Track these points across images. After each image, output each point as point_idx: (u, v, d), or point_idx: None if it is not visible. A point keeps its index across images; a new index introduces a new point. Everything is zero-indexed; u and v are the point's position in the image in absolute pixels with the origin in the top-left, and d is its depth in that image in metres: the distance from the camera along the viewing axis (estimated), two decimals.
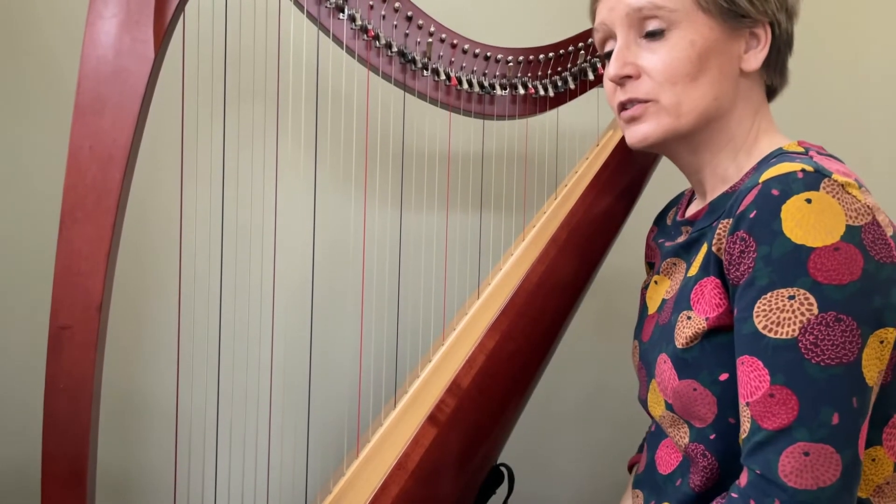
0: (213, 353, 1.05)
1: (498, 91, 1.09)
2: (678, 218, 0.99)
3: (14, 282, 1.31)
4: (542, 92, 1.11)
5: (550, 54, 1.10)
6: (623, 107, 0.89)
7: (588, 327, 1.43)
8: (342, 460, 1.05)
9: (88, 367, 0.83)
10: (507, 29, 1.37)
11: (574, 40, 1.12)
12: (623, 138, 1.13)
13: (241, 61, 1.20)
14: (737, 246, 0.76)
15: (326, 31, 0.99)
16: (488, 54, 1.07)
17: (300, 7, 0.98)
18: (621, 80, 0.88)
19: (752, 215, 0.75)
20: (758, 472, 0.74)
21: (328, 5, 0.98)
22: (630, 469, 1.11)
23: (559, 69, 1.12)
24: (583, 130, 1.23)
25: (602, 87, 1.18)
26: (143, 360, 1.34)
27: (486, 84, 1.08)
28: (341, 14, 0.99)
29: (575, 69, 1.13)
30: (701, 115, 0.86)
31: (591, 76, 1.13)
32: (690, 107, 0.85)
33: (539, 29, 1.19)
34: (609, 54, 0.91)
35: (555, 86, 1.12)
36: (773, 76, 0.90)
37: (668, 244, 0.98)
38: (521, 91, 1.10)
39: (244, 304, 1.14)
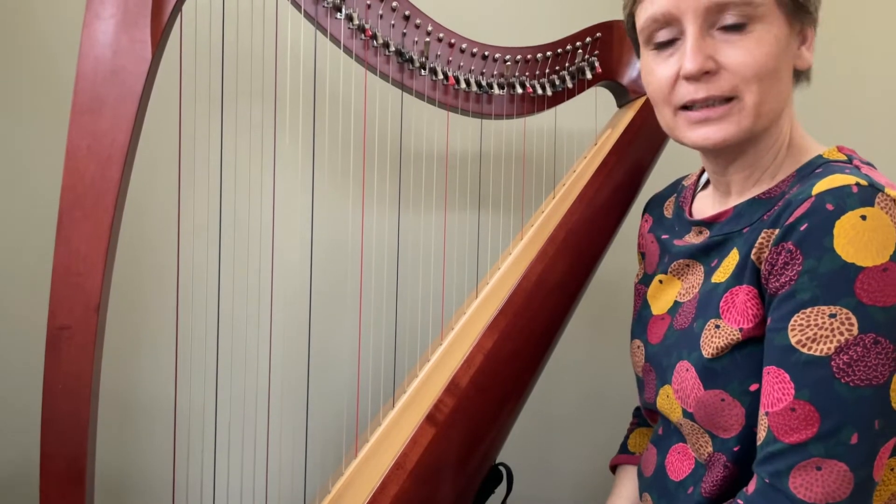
0: (211, 353, 1.06)
1: (496, 90, 1.09)
2: (687, 216, 0.96)
3: (12, 282, 1.31)
4: (539, 91, 1.11)
5: (548, 53, 1.10)
6: (687, 106, 0.83)
7: (587, 327, 1.43)
8: (341, 460, 1.05)
9: (87, 368, 0.83)
10: (505, 28, 1.37)
11: (572, 39, 1.12)
12: (620, 138, 1.13)
13: (239, 61, 1.19)
14: (781, 257, 0.75)
15: (324, 30, 0.99)
16: (486, 53, 1.07)
17: (297, 7, 0.98)
18: (700, 76, 0.81)
19: (802, 228, 0.73)
20: (767, 480, 0.74)
21: (325, 5, 0.98)
22: (613, 470, 1.11)
23: (557, 68, 1.12)
24: (581, 130, 1.23)
25: (600, 86, 1.18)
26: (141, 360, 1.34)
27: (483, 83, 1.08)
28: (338, 13, 0.99)
29: (573, 68, 1.13)
30: (775, 116, 0.83)
31: (588, 75, 1.13)
32: (770, 106, 0.81)
33: (537, 28, 1.19)
34: (661, 45, 0.84)
35: (552, 85, 1.12)
36: (809, 70, 0.88)
37: (677, 243, 0.95)
38: (519, 90, 1.10)
39: (243, 304, 1.14)
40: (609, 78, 1.16)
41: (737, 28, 0.79)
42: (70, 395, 0.83)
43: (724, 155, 0.88)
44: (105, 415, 0.91)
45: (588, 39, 1.13)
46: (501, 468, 1.06)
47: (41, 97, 1.29)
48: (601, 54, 1.14)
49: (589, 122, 1.21)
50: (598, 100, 1.20)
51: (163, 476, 1.32)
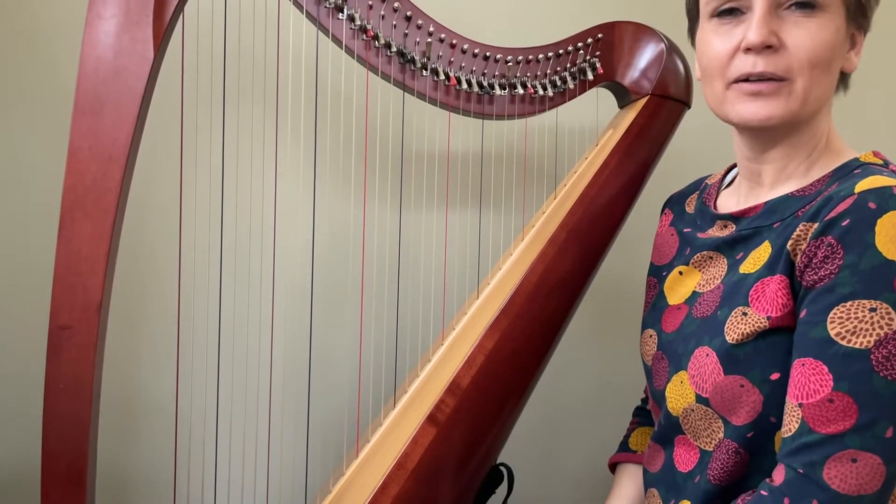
0: (212, 352, 1.06)
1: (497, 91, 1.09)
2: (713, 210, 0.97)
3: (14, 282, 1.31)
4: (541, 92, 1.11)
5: (549, 54, 1.10)
6: (743, 79, 0.84)
7: (589, 327, 1.43)
8: (342, 460, 1.05)
9: (88, 367, 0.83)
10: (507, 28, 1.37)
11: (573, 40, 1.12)
12: (622, 139, 1.13)
13: (241, 61, 1.19)
14: (821, 251, 0.76)
15: (326, 30, 0.99)
16: (487, 54, 1.07)
17: (299, 7, 0.98)
18: (761, 50, 0.82)
19: (844, 223, 0.75)
20: (800, 471, 0.74)
21: (327, 5, 0.98)
22: (612, 468, 1.11)
23: (558, 69, 1.12)
24: (582, 130, 1.23)
25: (602, 86, 1.18)
26: (142, 360, 1.34)
27: (485, 84, 1.08)
28: (340, 14, 0.99)
29: (574, 69, 1.13)
30: (819, 106, 0.84)
31: (590, 76, 1.13)
32: (817, 95, 0.83)
33: (538, 28, 1.19)
34: (726, 17, 0.85)
35: (554, 85, 1.12)
36: (847, 79, 0.90)
37: (700, 236, 0.96)
38: (521, 91, 1.10)
39: (244, 304, 1.14)
40: (610, 79, 1.16)
41: (804, 9, 0.81)
42: (71, 394, 0.83)
43: (764, 137, 0.88)
44: (106, 414, 0.91)
45: (589, 40, 1.13)
46: (502, 468, 1.06)
47: (43, 97, 1.29)
48: (603, 55, 1.14)
49: (590, 123, 1.21)
50: (599, 100, 1.20)
51: (164, 475, 1.32)
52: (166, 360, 1.33)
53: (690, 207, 1.03)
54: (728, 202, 0.97)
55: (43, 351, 0.83)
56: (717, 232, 0.94)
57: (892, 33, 1.53)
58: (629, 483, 1.06)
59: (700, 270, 0.94)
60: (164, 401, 1.33)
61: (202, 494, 1.10)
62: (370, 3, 0.99)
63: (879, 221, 0.73)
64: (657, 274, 1.04)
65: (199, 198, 1.08)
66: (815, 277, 0.77)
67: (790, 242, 0.80)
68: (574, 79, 1.13)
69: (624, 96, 1.19)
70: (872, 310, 0.73)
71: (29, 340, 1.15)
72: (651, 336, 0.99)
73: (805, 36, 0.81)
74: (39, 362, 0.84)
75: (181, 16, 0.92)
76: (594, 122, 1.21)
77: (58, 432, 0.83)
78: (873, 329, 0.73)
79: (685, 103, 1.17)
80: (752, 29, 0.82)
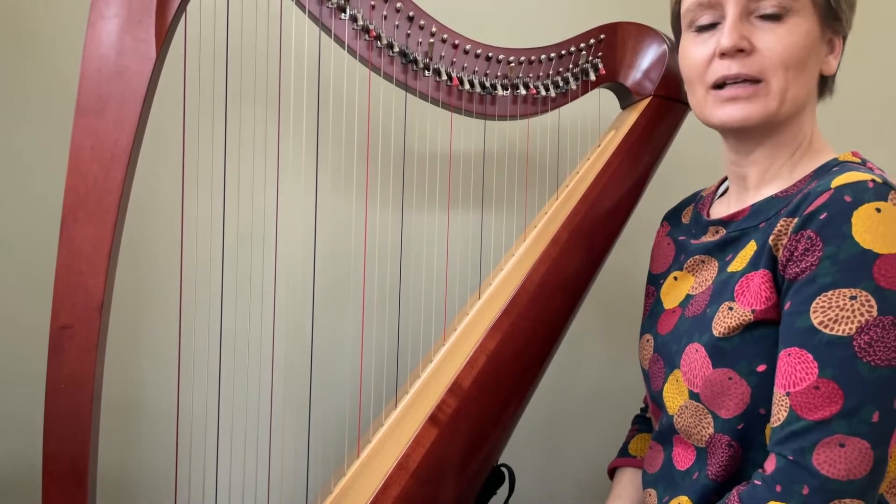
0: (213, 353, 1.06)
1: (499, 91, 1.09)
2: (706, 217, 1.00)
3: (15, 282, 1.31)
4: (543, 92, 1.11)
5: (552, 55, 1.10)
6: (719, 85, 0.89)
7: (591, 328, 1.43)
8: (343, 460, 1.05)
9: (89, 367, 0.83)
10: (509, 29, 1.37)
11: (576, 41, 1.12)
12: (624, 139, 1.13)
13: (243, 61, 1.20)
14: (801, 244, 0.79)
15: (328, 31, 0.99)
16: (490, 55, 1.07)
17: (302, 7, 0.98)
18: (734, 53, 0.87)
19: (822, 217, 0.77)
20: (790, 458, 0.76)
21: (329, 5, 0.98)
22: (611, 474, 1.11)
23: (560, 69, 1.12)
24: (584, 131, 1.23)
25: (604, 87, 1.18)
26: (143, 360, 1.34)
27: (487, 84, 1.08)
28: (343, 14, 0.99)
29: (576, 70, 1.13)
30: (797, 106, 0.88)
31: (592, 77, 1.13)
32: (794, 94, 0.87)
33: (541, 29, 1.19)
34: (702, 28, 0.91)
35: (556, 86, 1.12)
36: (832, 83, 0.94)
37: (694, 242, 0.99)
38: (523, 91, 1.10)
39: (245, 304, 1.14)
40: (613, 80, 1.16)
41: (773, 18, 0.86)
42: (72, 394, 0.83)
43: (746, 140, 0.92)
44: (107, 414, 0.91)
45: (592, 41, 1.13)
46: (504, 469, 1.05)
47: (45, 97, 1.29)
48: (605, 56, 1.14)
49: (592, 124, 1.21)
50: (601, 101, 1.20)
51: (165, 475, 1.32)
52: (167, 361, 1.33)
53: (686, 218, 1.06)
54: (720, 209, 1.00)
55: (44, 351, 0.83)
56: (709, 237, 0.97)
57: (892, 34, 1.54)
58: (628, 485, 1.07)
59: (693, 274, 0.97)
60: (165, 401, 1.33)
61: (203, 495, 1.10)
62: (372, 3, 0.99)
63: (855, 213, 0.76)
64: (654, 282, 1.06)
65: (201, 198, 1.08)
66: (797, 270, 0.79)
67: (772, 238, 0.83)
68: (576, 79, 1.13)
69: (626, 97, 1.19)
70: (853, 298, 0.75)
71: (30, 340, 1.15)
72: (648, 340, 1.01)
73: (775, 40, 0.86)
74: (40, 362, 0.84)
75: (183, 16, 0.92)
76: (596, 122, 1.21)
77: (59, 433, 0.83)
78: (854, 316, 0.75)
79: (687, 104, 1.16)
80: (724, 35, 0.87)
